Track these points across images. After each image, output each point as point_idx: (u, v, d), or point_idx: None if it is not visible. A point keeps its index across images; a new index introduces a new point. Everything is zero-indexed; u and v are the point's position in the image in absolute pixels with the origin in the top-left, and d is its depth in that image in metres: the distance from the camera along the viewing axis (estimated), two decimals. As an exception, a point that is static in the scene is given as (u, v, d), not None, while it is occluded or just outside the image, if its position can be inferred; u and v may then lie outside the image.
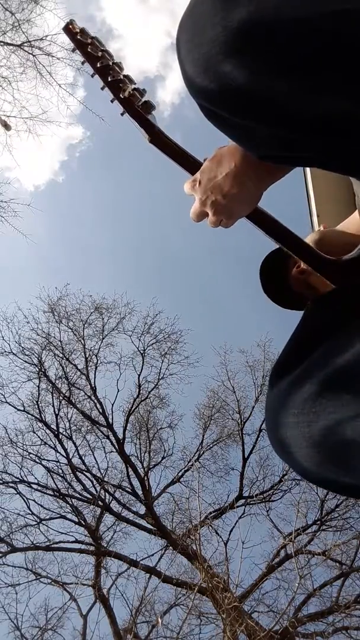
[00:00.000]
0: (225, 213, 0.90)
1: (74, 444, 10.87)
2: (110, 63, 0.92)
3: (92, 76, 0.92)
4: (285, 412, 0.79)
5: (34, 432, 10.91)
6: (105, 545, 10.07)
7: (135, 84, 0.93)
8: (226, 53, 0.61)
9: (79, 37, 0.92)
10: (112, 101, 0.93)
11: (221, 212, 0.89)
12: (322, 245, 1.06)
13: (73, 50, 0.92)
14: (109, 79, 0.92)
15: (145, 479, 10.79)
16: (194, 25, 0.65)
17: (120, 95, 0.92)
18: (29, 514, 10.19)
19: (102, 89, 0.93)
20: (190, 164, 0.93)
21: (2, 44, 10.38)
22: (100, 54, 0.91)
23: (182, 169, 0.95)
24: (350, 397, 0.71)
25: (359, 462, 0.70)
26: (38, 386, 10.97)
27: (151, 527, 10.09)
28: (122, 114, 0.94)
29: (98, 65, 0.92)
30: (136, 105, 0.92)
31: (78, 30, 0.93)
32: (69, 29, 0.94)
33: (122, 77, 0.92)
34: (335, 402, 0.73)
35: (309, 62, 0.58)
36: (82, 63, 0.92)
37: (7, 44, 10.43)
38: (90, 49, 0.92)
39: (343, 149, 0.67)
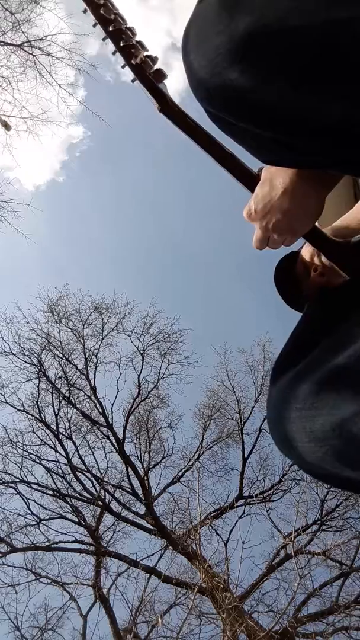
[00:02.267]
0: (290, 232, 0.87)
1: (74, 444, 10.83)
2: (123, 27, 0.90)
3: (104, 40, 0.90)
4: (288, 406, 0.79)
5: (34, 432, 10.87)
6: (105, 545, 10.02)
7: (147, 50, 0.91)
8: (231, 60, 0.62)
9: None
10: (123, 67, 0.91)
11: (285, 231, 0.87)
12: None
13: (84, 11, 0.89)
14: (121, 44, 0.90)
15: (145, 479, 10.74)
16: (199, 33, 0.66)
17: (132, 61, 0.90)
18: (29, 514, 10.14)
19: (114, 53, 0.91)
20: (201, 137, 0.91)
21: (2, 44, 10.39)
22: (113, 17, 0.89)
23: (193, 142, 0.93)
24: (351, 393, 0.72)
25: None
26: (38, 386, 10.93)
27: (151, 527, 10.04)
28: (132, 81, 0.93)
29: (110, 28, 0.89)
30: (148, 72, 0.90)
31: None
32: None
33: (134, 42, 0.91)
34: (337, 397, 0.73)
35: (311, 68, 0.59)
36: (94, 25, 0.90)
37: (7, 44, 10.43)
38: (103, 10, 0.89)
39: (343, 150, 0.68)
